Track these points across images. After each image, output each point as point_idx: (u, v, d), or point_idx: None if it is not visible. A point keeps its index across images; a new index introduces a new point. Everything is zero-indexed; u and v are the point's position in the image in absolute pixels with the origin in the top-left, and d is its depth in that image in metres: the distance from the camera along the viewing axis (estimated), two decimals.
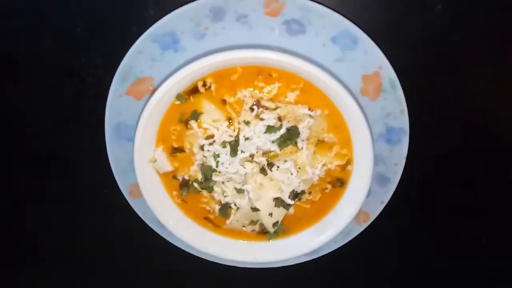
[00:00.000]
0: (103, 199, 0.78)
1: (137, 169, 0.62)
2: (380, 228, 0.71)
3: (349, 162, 0.63)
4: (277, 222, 0.64)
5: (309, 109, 0.59)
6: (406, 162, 0.67)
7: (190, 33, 0.60)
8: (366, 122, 0.59)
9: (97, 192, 0.77)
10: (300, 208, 0.66)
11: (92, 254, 0.83)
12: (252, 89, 0.59)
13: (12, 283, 0.87)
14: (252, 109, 0.58)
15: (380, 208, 0.70)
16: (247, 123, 0.59)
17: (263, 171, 0.61)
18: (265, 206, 0.62)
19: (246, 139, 0.60)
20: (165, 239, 0.73)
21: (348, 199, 0.65)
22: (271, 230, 0.64)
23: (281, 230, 0.67)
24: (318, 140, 0.62)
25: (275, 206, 0.63)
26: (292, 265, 0.72)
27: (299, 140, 0.60)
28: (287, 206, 0.63)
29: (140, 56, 0.61)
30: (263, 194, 0.62)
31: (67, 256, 0.83)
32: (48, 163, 0.75)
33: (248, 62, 0.57)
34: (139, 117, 0.60)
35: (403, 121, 0.65)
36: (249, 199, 0.62)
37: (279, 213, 0.63)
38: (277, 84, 0.58)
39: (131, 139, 0.66)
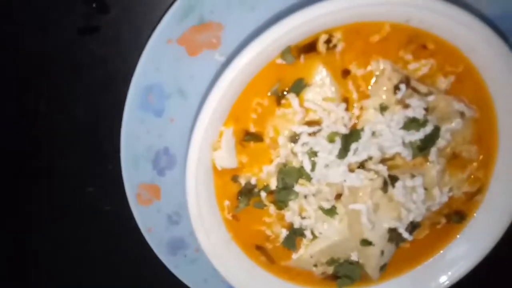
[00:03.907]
0: (82, 202, 0.53)
1: (191, 154, 0.38)
2: None
3: (480, 190, 0.46)
4: (385, 265, 0.43)
5: (466, 106, 0.41)
6: None
7: None
8: None
9: (76, 191, 0.52)
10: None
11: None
12: (392, 62, 0.39)
13: None
14: (397, 89, 0.39)
15: None
16: (383, 108, 0.39)
17: (384, 186, 0.40)
18: (379, 239, 0.41)
19: (373, 134, 0.39)
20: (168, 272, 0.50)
21: (464, 242, 0.47)
22: (376, 276, 0.43)
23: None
24: (454, 153, 0.44)
25: (388, 240, 0.42)
26: None
27: (433, 148, 0.42)
28: (400, 242, 0.43)
29: None
30: (377, 221, 0.41)
31: None
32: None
33: (406, 17, 0.37)
34: (217, 76, 0.37)
35: None
36: (361, 224, 0.41)
37: (389, 252, 0.43)
38: (430, 61, 0.40)
39: (160, 114, 0.45)
